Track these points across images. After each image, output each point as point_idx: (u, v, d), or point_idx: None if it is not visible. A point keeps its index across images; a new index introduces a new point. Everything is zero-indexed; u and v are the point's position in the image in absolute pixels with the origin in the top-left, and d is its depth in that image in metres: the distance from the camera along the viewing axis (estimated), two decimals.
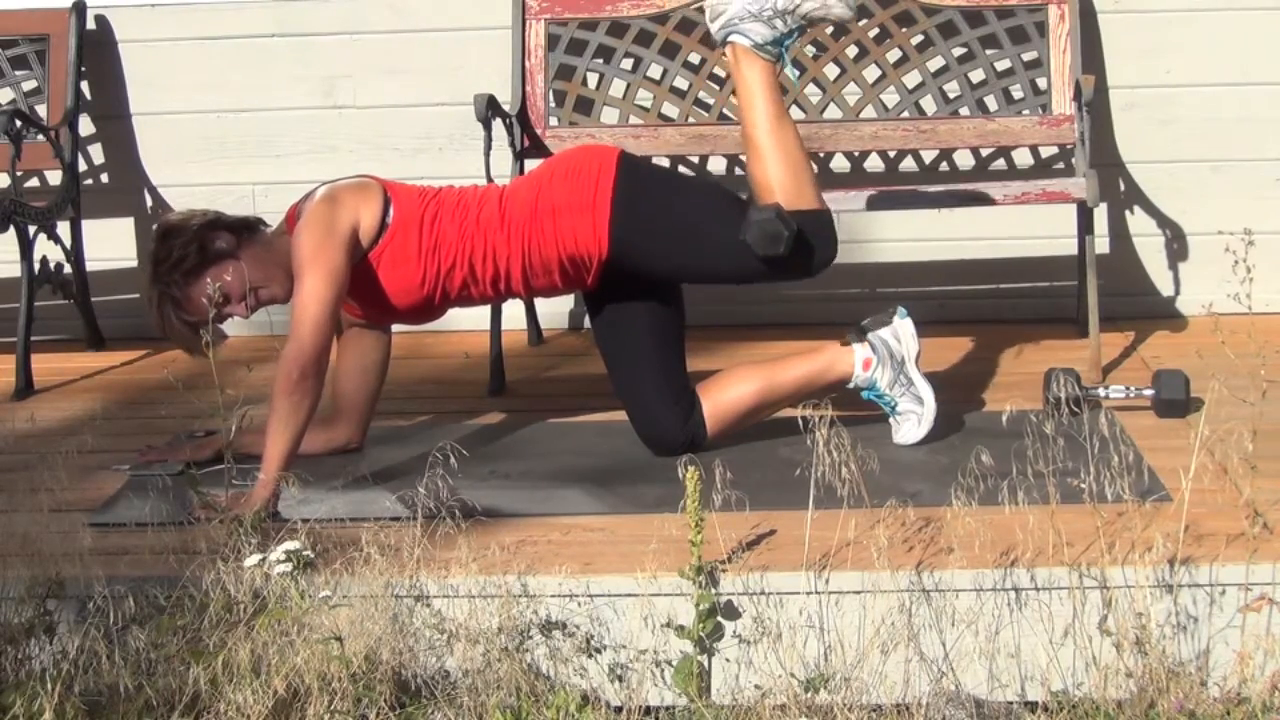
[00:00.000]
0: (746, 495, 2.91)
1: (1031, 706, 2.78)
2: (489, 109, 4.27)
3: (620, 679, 2.86)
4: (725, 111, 4.56)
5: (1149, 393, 3.71)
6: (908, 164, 4.73)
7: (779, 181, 3.42)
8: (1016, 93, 4.57)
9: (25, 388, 4.36)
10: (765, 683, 2.82)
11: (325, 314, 3.31)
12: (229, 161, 4.76)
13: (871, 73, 4.58)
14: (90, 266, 4.77)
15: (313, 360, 3.28)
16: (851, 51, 4.57)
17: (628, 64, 4.63)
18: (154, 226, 3.54)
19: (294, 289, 3.34)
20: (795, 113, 4.48)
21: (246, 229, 3.49)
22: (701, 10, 3.55)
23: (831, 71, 4.58)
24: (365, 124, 4.78)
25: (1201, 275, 4.64)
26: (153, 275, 3.40)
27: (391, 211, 3.46)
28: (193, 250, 3.38)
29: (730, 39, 3.42)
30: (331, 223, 3.38)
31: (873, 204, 4.17)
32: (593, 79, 4.63)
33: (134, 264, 4.82)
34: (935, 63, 4.56)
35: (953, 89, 4.58)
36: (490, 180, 4.09)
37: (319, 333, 3.30)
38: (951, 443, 3.54)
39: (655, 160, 4.38)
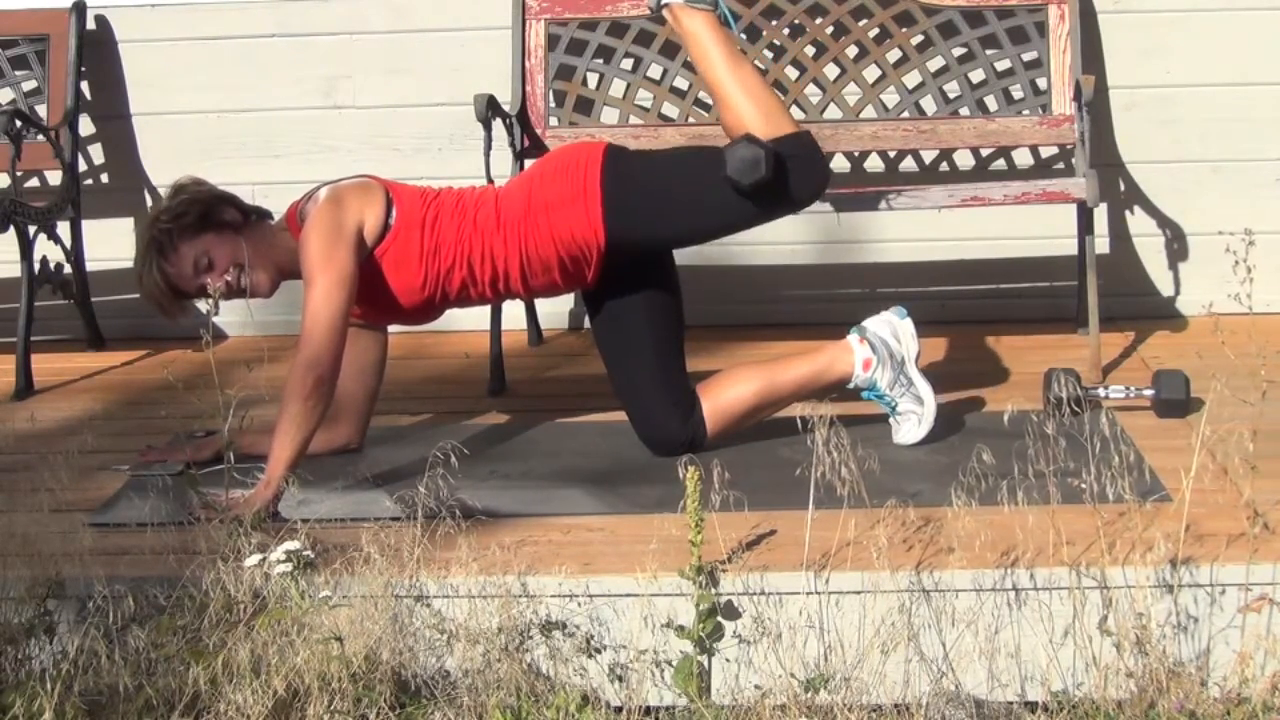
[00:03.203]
0: (746, 495, 2.91)
1: (1031, 706, 2.78)
2: (489, 109, 4.27)
3: (620, 679, 2.86)
4: None
5: (1149, 393, 3.71)
6: (908, 164, 4.73)
7: (750, 118, 3.47)
8: (1016, 93, 4.57)
9: (25, 388, 4.36)
10: (765, 683, 2.82)
11: (338, 318, 3.32)
12: (229, 161, 4.75)
13: (871, 73, 4.58)
14: (90, 266, 4.77)
15: (328, 365, 3.29)
16: (851, 51, 4.57)
17: (628, 64, 4.63)
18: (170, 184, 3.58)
19: (304, 294, 3.34)
20: (795, 113, 4.48)
21: (256, 214, 3.54)
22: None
23: (831, 71, 4.58)
24: (365, 124, 4.78)
25: (1201, 275, 4.64)
26: (151, 220, 3.46)
27: (394, 213, 3.47)
28: (196, 210, 3.44)
29: (665, 2, 3.53)
30: (338, 225, 3.39)
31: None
32: (593, 79, 4.63)
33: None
34: (935, 63, 4.56)
35: (953, 89, 4.58)
36: (490, 180, 4.10)
37: (333, 337, 3.31)
38: (951, 443, 3.53)
39: None
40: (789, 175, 3.42)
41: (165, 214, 3.43)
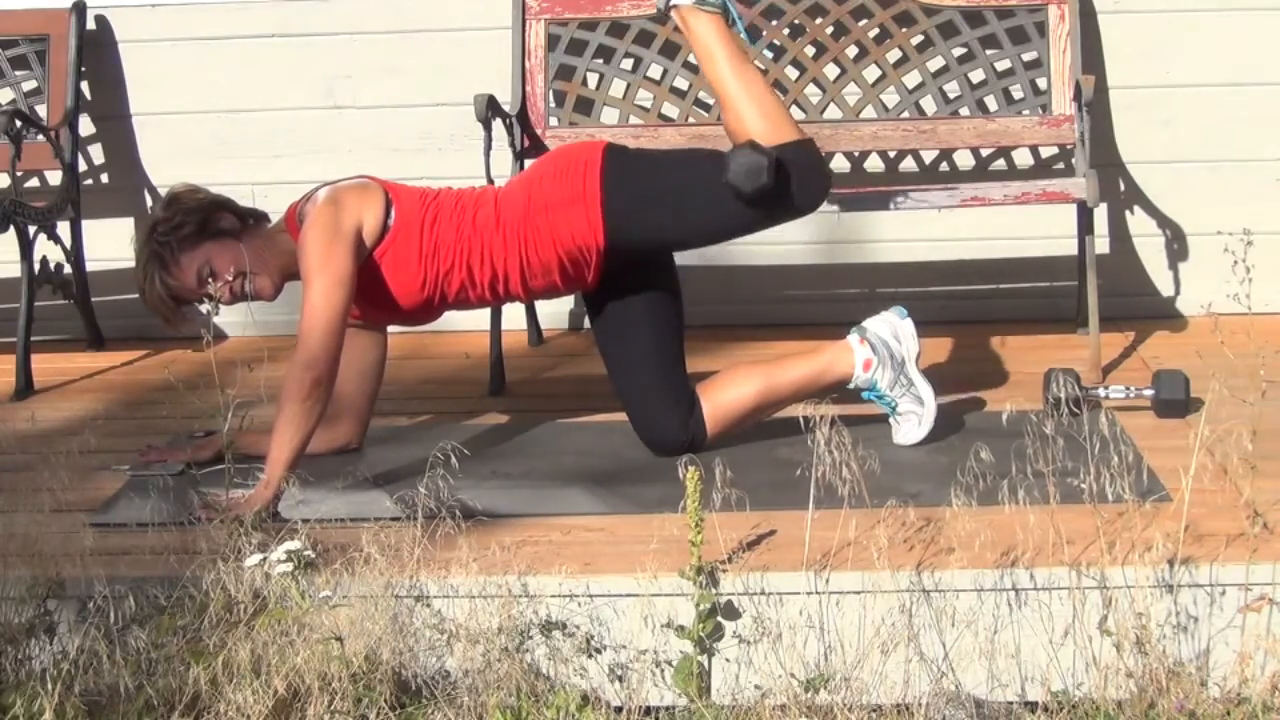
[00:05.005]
0: (746, 495, 2.91)
1: (1031, 706, 2.78)
2: (489, 109, 4.27)
3: (620, 679, 2.86)
4: None
5: (1149, 393, 3.71)
6: (908, 164, 4.73)
7: (754, 124, 3.45)
8: (1016, 93, 4.57)
9: (25, 388, 4.36)
10: (765, 683, 2.82)
11: (336, 319, 3.32)
12: (229, 161, 4.76)
13: (871, 73, 4.58)
14: (90, 266, 4.77)
15: (326, 365, 3.29)
16: (851, 51, 4.57)
17: (628, 64, 4.63)
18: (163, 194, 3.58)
19: (303, 294, 3.34)
20: (795, 113, 4.48)
21: (253, 218, 3.53)
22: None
23: (831, 71, 4.58)
24: (365, 124, 4.78)
25: (1201, 275, 4.64)
26: (148, 233, 3.44)
27: (393, 214, 3.47)
28: (194, 220, 3.42)
29: (674, 3, 3.49)
30: (337, 226, 3.38)
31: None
32: (593, 79, 4.63)
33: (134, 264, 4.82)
34: (935, 63, 4.56)
35: (953, 89, 4.58)
36: (490, 180, 4.10)
37: (330, 338, 3.30)
38: (951, 443, 3.54)
39: None
40: (791, 182, 3.41)
41: (162, 225, 3.42)
